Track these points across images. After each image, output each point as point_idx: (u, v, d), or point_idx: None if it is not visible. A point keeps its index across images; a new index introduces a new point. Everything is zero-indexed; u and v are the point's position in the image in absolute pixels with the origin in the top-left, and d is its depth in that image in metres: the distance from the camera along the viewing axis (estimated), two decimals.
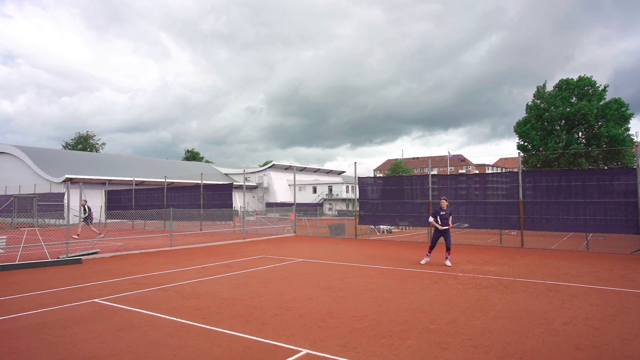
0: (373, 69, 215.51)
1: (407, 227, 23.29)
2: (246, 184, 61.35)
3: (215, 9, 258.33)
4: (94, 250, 13.27)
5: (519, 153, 16.36)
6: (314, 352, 4.54)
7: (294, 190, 24.79)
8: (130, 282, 8.81)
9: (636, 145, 14.59)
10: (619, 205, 13.57)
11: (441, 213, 11.01)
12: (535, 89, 36.41)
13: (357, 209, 19.82)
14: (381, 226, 22.95)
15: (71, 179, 38.88)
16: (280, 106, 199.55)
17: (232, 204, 24.33)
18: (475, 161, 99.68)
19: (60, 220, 26.46)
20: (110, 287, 8.27)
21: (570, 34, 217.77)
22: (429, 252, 11.33)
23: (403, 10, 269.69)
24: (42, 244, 12.75)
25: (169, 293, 7.65)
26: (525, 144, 35.59)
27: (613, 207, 13.68)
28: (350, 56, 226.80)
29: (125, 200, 29.77)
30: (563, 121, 34.17)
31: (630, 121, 32.40)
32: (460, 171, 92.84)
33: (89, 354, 4.57)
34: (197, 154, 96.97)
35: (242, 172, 29.61)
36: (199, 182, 25.52)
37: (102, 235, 16.45)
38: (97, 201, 34.30)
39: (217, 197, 24.59)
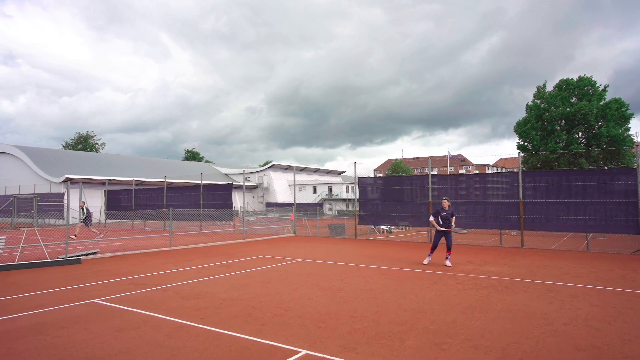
0: (373, 69, 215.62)
1: (407, 227, 23.27)
2: (246, 184, 61.33)
3: (215, 9, 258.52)
4: (93, 251, 13.26)
5: (519, 153, 16.34)
6: (313, 353, 4.53)
7: (294, 190, 24.77)
8: (130, 282, 8.79)
9: (636, 145, 14.57)
10: (619, 206, 13.55)
11: (442, 213, 10.96)
12: (536, 89, 36.42)
13: (357, 209, 19.80)
14: (381, 226, 22.94)
15: (71, 179, 38.87)
16: (281, 106, 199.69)
17: (232, 204, 24.31)
18: (475, 161, 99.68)
19: (60, 220, 26.45)
20: (110, 287, 8.25)
21: (570, 34, 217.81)
22: (431, 252, 11.23)
23: (403, 10, 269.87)
24: (42, 244, 12.74)
25: (168, 293, 7.64)
26: (526, 144, 35.58)
27: (613, 207, 13.67)
28: (351, 56, 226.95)
29: (125, 200, 29.76)
30: (563, 121, 34.16)
31: (631, 121, 32.45)
32: (460, 171, 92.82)
33: (87, 354, 4.55)
34: (197, 154, 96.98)
35: (242, 172, 29.53)
36: (199, 182, 25.51)
37: (102, 236, 16.43)
38: (97, 201, 34.32)
39: (217, 197, 24.58)
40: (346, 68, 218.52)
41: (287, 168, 69.31)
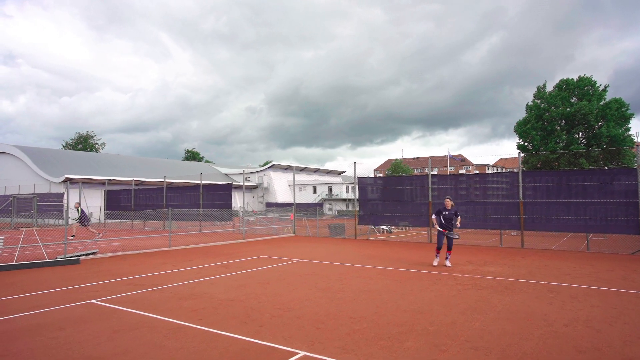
0: (373, 69, 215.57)
1: (407, 228, 23.24)
2: (246, 184, 61.29)
3: (215, 9, 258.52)
4: (92, 251, 13.22)
5: (519, 153, 16.30)
6: (311, 354, 4.49)
7: (294, 190, 24.74)
8: (128, 282, 8.75)
9: (636, 145, 14.54)
10: (620, 206, 13.51)
11: (444, 213, 10.88)
12: (536, 89, 36.36)
13: (357, 209, 19.76)
14: (381, 226, 22.91)
15: (71, 179, 38.84)
16: (281, 106, 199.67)
17: (231, 204, 24.28)
18: (475, 161, 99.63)
19: (60, 220, 26.42)
20: (108, 287, 8.22)
21: (570, 34, 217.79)
22: (437, 252, 10.96)
23: (403, 10, 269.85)
24: (40, 244, 12.70)
25: (166, 294, 7.60)
26: (526, 144, 35.53)
27: (613, 208, 13.63)
28: (351, 56, 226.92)
29: (125, 200, 29.73)
30: (563, 121, 34.11)
31: (631, 121, 32.37)
32: (460, 171, 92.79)
33: (84, 355, 4.51)
34: (197, 154, 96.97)
35: (242, 172, 29.48)
36: (199, 182, 25.47)
37: (100, 236, 16.37)
38: (96, 201, 34.27)
39: (217, 197, 24.55)
40: (346, 68, 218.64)
41: (287, 168, 69.29)
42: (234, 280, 8.92)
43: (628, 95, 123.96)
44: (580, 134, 33.83)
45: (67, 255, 11.86)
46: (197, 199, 25.12)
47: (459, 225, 10.98)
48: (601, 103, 32.79)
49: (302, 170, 72.33)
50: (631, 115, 32.16)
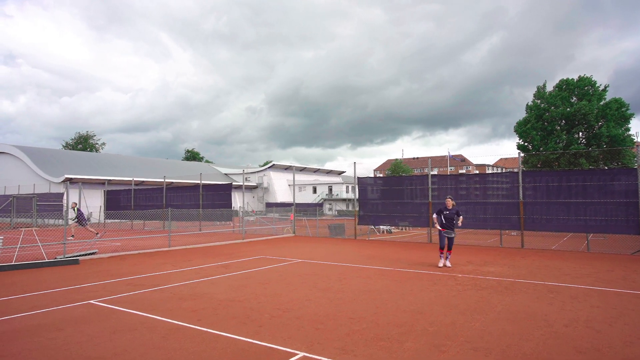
0: (373, 69, 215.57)
1: (407, 228, 23.21)
2: (246, 184, 61.28)
3: (215, 9, 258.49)
4: (91, 251, 13.20)
5: (519, 153, 16.28)
6: (310, 355, 4.47)
7: (293, 190, 24.71)
8: (127, 283, 8.73)
9: (637, 145, 14.52)
10: (620, 206, 13.50)
11: (445, 212, 10.85)
12: (536, 89, 36.34)
13: (357, 209, 19.74)
14: (381, 226, 22.88)
15: (71, 179, 38.83)
16: (281, 106, 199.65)
17: (231, 204, 24.25)
18: (475, 161, 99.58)
19: (60, 220, 26.39)
20: (107, 288, 8.20)
21: (570, 34, 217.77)
22: (441, 252, 10.82)
23: (403, 10, 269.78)
24: (39, 244, 12.68)
25: (165, 294, 7.58)
26: (526, 144, 35.51)
27: (614, 208, 13.61)
28: (351, 56, 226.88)
29: (125, 200, 29.70)
30: (563, 121, 34.09)
31: (631, 121, 32.35)
32: (460, 171, 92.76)
33: (82, 356, 4.50)
34: (197, 154, 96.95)
35: (242, 172, 29.45)
36: (199, 182, 25.45)
37: (99, 235, 16.34)
38: (96, 201, 34.26)
39: (217, 197, 24.53)
40: (346, 68, 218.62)
41: (287, 168, 69.27)
42: (234, 281, 8.91)
43: (628, 95, 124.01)
44: (580, 134, 33.81)
45: (66, 256, 11.85)
46: (197, 199, 25.10)
47: (460, 224, 10.91)
48: (601, 103, 32.77)
49: (302, 170, 72.30)
50: (631, 115, 32.14)
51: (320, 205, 58.90)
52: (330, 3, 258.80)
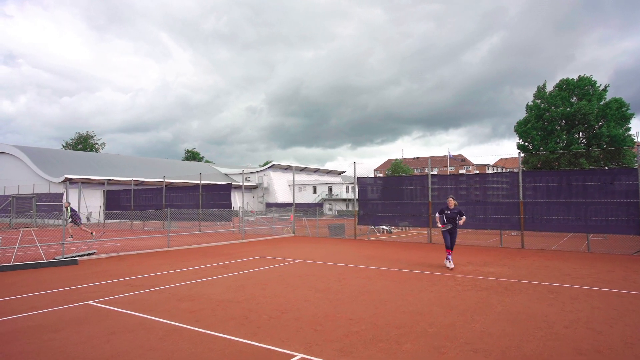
0: (374, 69, 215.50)
1: (407, 228, 23.17)
2: (246, 184, 61.24)
3: (216, 9, 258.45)
4: (90, 251, 13.16)
5: (519, 153, 16.23)
6: (308, 357, 4.44)
7: (293, 190, 24.67)
8: (125, 283, 8.70)
9: (637, 145, 14.48)
10: (620, 206, 13.46)
11: (447, 212, 10.79)
12: (536, 89, 36.28)
13: (357, 209, 19.70)
14: (381, 226, 22.84)
15: (70, 179, 38.80)
16: (281, 106, 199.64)
17: (231, 204, 24.21)
18: (475, 161, 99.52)
19: (59, 220, 26.35)
20: (105, 288, 8.16)
21: (570, 34, 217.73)
22: (449, 253, 10.53)
23: (404, 10, 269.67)
24: (38, 244, 12.64)
25: (163, 295, 7.55)
26: (526, 144, 35.45)
27: (614, 208, 13.58)
28: (351, 56, 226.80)
29: (124, 200, 29.67)
30: (563, 121, 34.03)
31: (631, 121, 32.27)
32: (460, 171, 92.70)
33: (79, 358, 4.46)
34: (197, 154, 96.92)
35: (242, 172, 29.41)
36: (198, 182, 25.41)
37: (94, 235, 16.27)
38: (96, 201, 34.23)
39: (216, 197, 24.48)
40: (346, 68, 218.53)
41: (287, 168, 69.23)
42: (233, 281, 8.87)
43: (628, 95, 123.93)
44: (581, 133, 33.74)
45: (65, 256, 11.81)
46: (197, 199, 25.06)
47: (461, 223, 10.81)
48: (601, 103, 32.71)
49: (302, 170, 72.26)
50: (631, 115, 32.07)
51: (320, 205, 58.85)
52: (330, 3, 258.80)
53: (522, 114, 46.29)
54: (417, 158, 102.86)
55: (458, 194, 16.95)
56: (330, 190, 66.96)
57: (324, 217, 42.42)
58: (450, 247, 10.57)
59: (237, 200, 45.08)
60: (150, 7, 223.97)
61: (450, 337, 5.08)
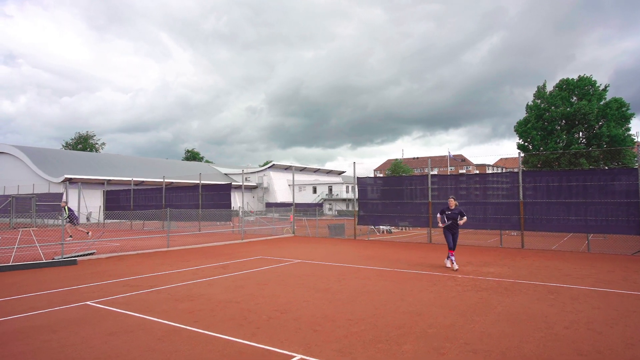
0: (374, 69, 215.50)
1: (407, 228, 23.15)
2: (246, 184, 61.22)
3: (216, 9, 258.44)
4: (90, 251, 13.14)
5: (519, 153, 16.21)
6: (307, 358, 4.41)
7: (293, 190, 24.65)
8: (124, 283, 8.68)
9: (637, 145, 14.46)
10: (620, 206, 13.44)
11: (447, 212, 10.76)
12: (536, 89, 36.26)
13: (357, 209, 19.68)
14: (381, 226, 22.83)
15: (70, 179, 38.79)
16: (281, 106, 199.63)
17: (230, 204, 24.18)
18: (475, 161, 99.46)
19: (58, 220, 26.33)
20: (104, 289, 8.14)
21: (571, 33, 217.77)
22: (452, 253, 10.45)
23: (404, 10, 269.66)
24: (37, 245, 12.62)
25: (162, 295, 7.53)
26: (526, 144, 35.43)
27: (614, 208, 13.55)
28: (351, 56, 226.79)
29: (124, 200, 29.65)
30: (563, 121, 34.00)
31: (631, 121, 32.25)
32: (460, 171, 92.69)
33: (76, 359, 4.44)
34: (197, 154, 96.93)
35: (242, 172, 29.38)
36: (198, 182, 25.39)
37: (90, 235, 16.21)
38: (96, 201, 34.21)
39: (216, 197, 24.46)
40: (346, 68, 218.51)
41: (287, 168, 69.22)
42: (232, 282, 8.85)
43: (629, 95, 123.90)
44: (581, 133, 33.72)
45: (64, 256, 11.79)
46: (197, 199, 25.03)
47: (461, 224, 10.76)
48: (601, 103, 32.69)
49: (302, 170, 72.25)
50: (631, 115, 32.05)
51: (320, 205, 58.84)
52: (330, 3, 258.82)
53: (522, 114, 46.28)
54: (417, 158, 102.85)
55: (458, 194, 16.92)
56: (330, 190, 66.95)
57: (323, 217, 42.40)
58: (451, 247, 10.50)
59: (237, 200, 45.07)
60: (150, 7, 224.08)
61: (450, 337, 5.06)
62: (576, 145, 32.54)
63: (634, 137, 32.93)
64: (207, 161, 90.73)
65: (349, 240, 19.12)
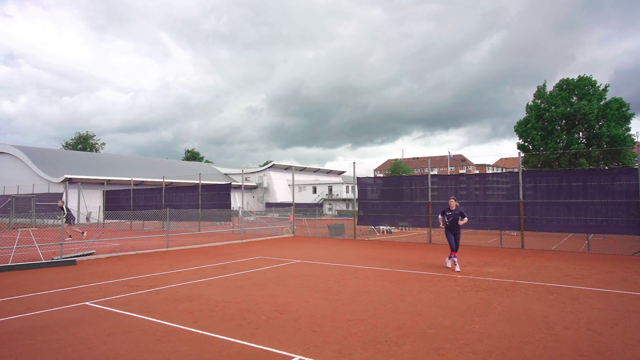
0: (374, 69, 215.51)
1: (407, 228, 23.13)
2: (246, 184, 61.22)
3: (216, 9, 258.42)
4: (89, 252, 13.12)
5: (519, 153, 16.19)
6: (306, 359, 4.39)
7: (292, 190, 24.63)
8: (124, 284, 8.66)
9: (637, 145, 14.44)
10: (621, 206, 13.42)
11: (448, 213, 10.74)
12: (536, 89, 36.24)
13: (356, 209, 19.66)
14: (381, 227, 22.81)
15: (70, 179, 38.78)
16: (281, 106, 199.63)
17: (230, 204, 24.17)
18: (475, 161, 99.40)
19: (58, 220, 26.30)
20: (103, 289, 8.12)
21: (571, 33, 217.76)
22: (454, 255, 10.37)
23: (404, 10, 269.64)
24: (36, 245, 12.60)
25: (161, 295, 7.51)
26: (526, 144, 35.41)
27: (614, 208, 13.54)
28: (351, 56, 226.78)
29: (124, 200, 29.62)
30: (563, 121, 33.99)
31: (631, 121, 32.24)
32: (460, 171, 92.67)
33: None
34: (197, 154, 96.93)
35: (241, 172, 29.35)
36: (198, 182, 25.37)
37: (85, 235, 16.15)
38: (96, 201, 34.20)
39: (216, 197, 24.44)
40: (347, 68, 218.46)
41: (287, 168, 69.20)
42: (231, 282, 8.83)
43: (629, 95, 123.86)
44: (581, 133, 33.71)
45: (63, 256, 11.77)
46: (196, 199, 25.01)
47: (461, 224, 10.71)
48: (601, 103, 32.67)
49: (302, 170, 72.23)
50: (632, 115, 32.03)
51: (320, 205, 58.82)
52: (330, 3, 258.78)
53: (522, 114, 46.28)
54: (417, 158, 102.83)
55: (458, 194, 16.90)
56: (330, 190, 66.92)
57: (323, 217, 42.39)
58: (454, 249, 10.42)
59: (236, 200, 45.06)
60: (150, 7, 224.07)
61: (450, 338, 5.04)
62: (576, 145, 32.52)
63: (634, 137, 32.91)
64: (207, 161, 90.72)
65: (349, 240, 19.11)
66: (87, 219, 32.70)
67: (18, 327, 5.61)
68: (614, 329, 5.37)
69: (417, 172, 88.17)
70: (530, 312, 6.26)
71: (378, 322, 5.72)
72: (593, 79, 33.52)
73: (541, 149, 33.45)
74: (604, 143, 31.94)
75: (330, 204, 63.70)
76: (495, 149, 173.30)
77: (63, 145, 76.45)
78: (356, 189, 19.80)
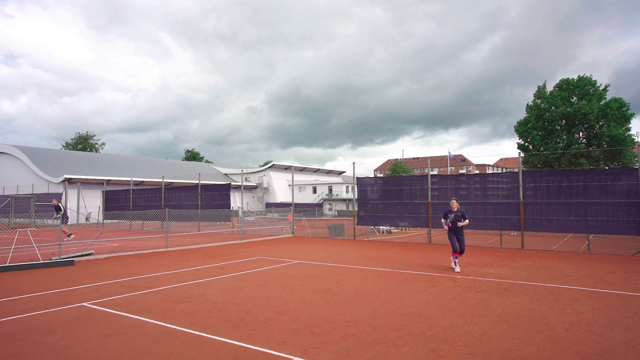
0: (374, 69, 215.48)
1: (407, 228, 23.09)
2: (246, 184, 61.20)
3: (216, 8, 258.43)
4: (88, 252, 13.08)
5: (519, 153, 16.14)
6: None
7: (293, 190, 24.60)
8: (122, 284, 8.62)
9: (637, 145, 14.40)
10: (621, 206, 13.38)
11: (450, 215, 10.68)
12: (536, 89, 36.20)
13: (356, 209, 19.62)
14: (381, 227, 22.77)
15: (70, 179, 38.75)
16: (281, 106, 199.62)
17: (230, 204, 24.13)
18: (475, 161, 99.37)
19: (57, 220, 26.24)
20: (101, 290, 8.08)
21: (571, 33, 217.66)
22: (456, 256, 10.32)
23: (404, 10, 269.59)
24: (34, 245, 12.56)
25: (159, 296, 7.47)
26: (526, 144, 35.38)
27: (615, 208, 13.49)
28: (352, 56, 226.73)
29: (124, 200, 29.58)
30: (563, 121, 33.95)
31: (631, 121, 32.22)
32: (460, 171, 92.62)
33: None
34: (198, 154, 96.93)
35: (241, 172, 29.32)
36: (198, 182, 25.32)
37: (72, 237, 15.99)
38: (95, 201, 34.16)
39: (216, 197, 24.40)
40: (347, 68, 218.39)
41: (287, 168, 69.16)
42: (230, 282, 8.79)
43: (629, 95, 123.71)
44: (581, 133, 33.67)
45: (62, 257, 11.73)
46: (196, 199, 24.97)
47: (460, 225, 10.65)
48: (601, 103, 32.64)
49: (302, 170, 72.19)
50: (632, 115, 32.02)
51: (320, 205, 58.80)
52: (330, 3, 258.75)
53: (522, 114, 46.24)
54: (417, 158, 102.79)
55: (458, 194, 16.86)
56: (330, 190, 66.88)
57: (323, 217, 42.34)
58: (456, 250, 10.34)
59: (236, 200, 45.03)
60: (150, 7, 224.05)
61: (449, 339, 5.01)
62: (576, 145, 32.48)
63: (634, 137, 32.88)
64: (207, 161, 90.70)
65: (349, 240, 19.07)
66: (87, 219, 32.66)
67: (15, 328, 5.57)
68: (614, 331, 5.33)
69: (417, 172, 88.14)
70: (530, 313, 6.22)
71: (377, 323, 5.68)
72: (593, 79, 33.52)
73: (541, 149, 33.42)
74: (604, 143, 31.91)
75: (330, 204, 63.66)
76: (495, 149, 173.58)
77: (63, 146, 76.50)
78: (356, 189, 19.77)
